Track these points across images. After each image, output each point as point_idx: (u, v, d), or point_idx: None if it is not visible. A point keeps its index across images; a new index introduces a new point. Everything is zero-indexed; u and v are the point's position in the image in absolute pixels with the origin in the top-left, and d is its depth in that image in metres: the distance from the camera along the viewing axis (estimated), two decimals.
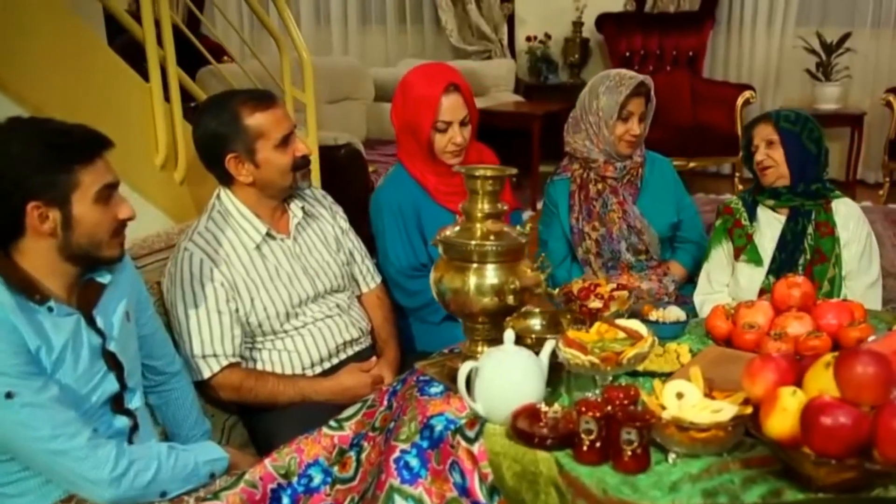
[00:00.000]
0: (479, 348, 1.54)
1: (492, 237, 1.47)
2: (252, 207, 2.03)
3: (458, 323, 1.65)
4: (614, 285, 1.84)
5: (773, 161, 2.24)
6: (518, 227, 1.55)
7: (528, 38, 6.57)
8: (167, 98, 2.42)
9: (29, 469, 1.50)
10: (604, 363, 1.36)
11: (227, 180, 2.02)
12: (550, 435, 1.29)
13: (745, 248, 2.29)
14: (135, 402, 1.66)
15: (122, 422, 1.61)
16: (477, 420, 1.39)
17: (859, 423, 1.06)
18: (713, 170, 6.24)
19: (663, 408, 1.28)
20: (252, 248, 2.02)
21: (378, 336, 2.27)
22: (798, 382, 1.20)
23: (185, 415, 1.91)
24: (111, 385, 1.59)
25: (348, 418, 1.65)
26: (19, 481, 1.51)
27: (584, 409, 1.24)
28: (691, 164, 5.50)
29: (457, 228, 1.53)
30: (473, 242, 1.48)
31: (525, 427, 1.31)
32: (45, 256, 1.48)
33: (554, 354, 1.42)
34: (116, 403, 1.61)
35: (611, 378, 1.43)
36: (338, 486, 1.56)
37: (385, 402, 1.63)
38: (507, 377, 1.37)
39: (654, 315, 1.79)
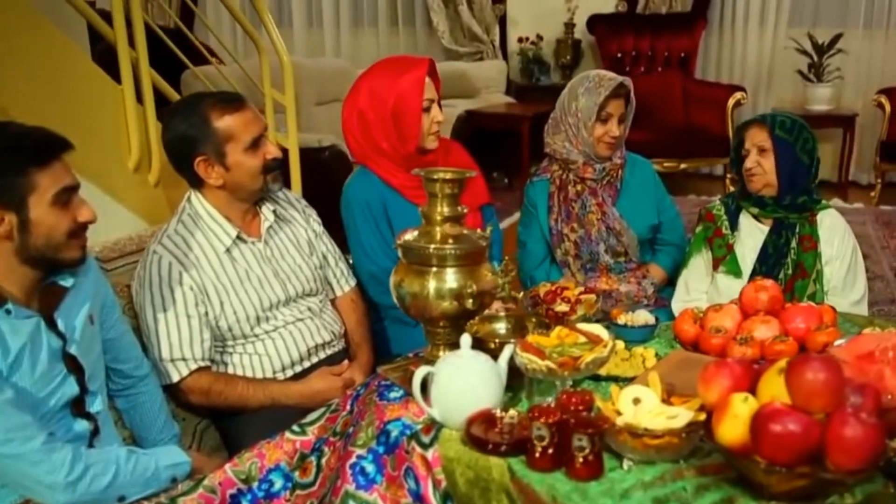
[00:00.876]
0: (441, 352, 1.53)
1: (450, 240, 1.46)
2: (223, 210, 2.01)
3: None
4: (582, 289, 1.83)
5: (763, 169, 2.17)
6: (479, 231, 1.54)
7: (520, 40, 6.57)
8: (141, 101, 2.40)
9: None
10: (561, 368, 1.34)
11: (197, 183, 2.00)
12: (505, 441, 1.27)
13: (724, 259, 2.24)
14: (96, 405, 1.64)
15: (83, 425, 1.59)
16: (433, 425, 1.37)
17: (809, 431, 1.04)
18: (706, 171, 6.23)
19: (619, 414, 1.26)
20: (222, 251, 2.00)
21: (351, 339, 2.25)
22: (753, 389, 1.18)
23: (153, 419, 1.89)
24: (71, 388, 1.57)
25: (311, 423, 1.64)
26: None
27: (536, 415, 1.22)
28: (682, 166, 5.50)
29: (415, 232, 1.51)
30: (432, 246, 1.46)
31: (479, 433, 1.29)
32: (3, 259, 1.47)
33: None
34: (77, 407, 1.59)
35: (570, 383, 1.41)
36: (298, 492, 1.54)
37: (348, 407, 1.62)
38: (463, 382, 1.35)
39: (622, 319, 1.78)
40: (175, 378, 1.94)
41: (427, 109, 2.22)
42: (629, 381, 1.50)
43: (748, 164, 2.19)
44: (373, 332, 2.33)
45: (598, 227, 2.48)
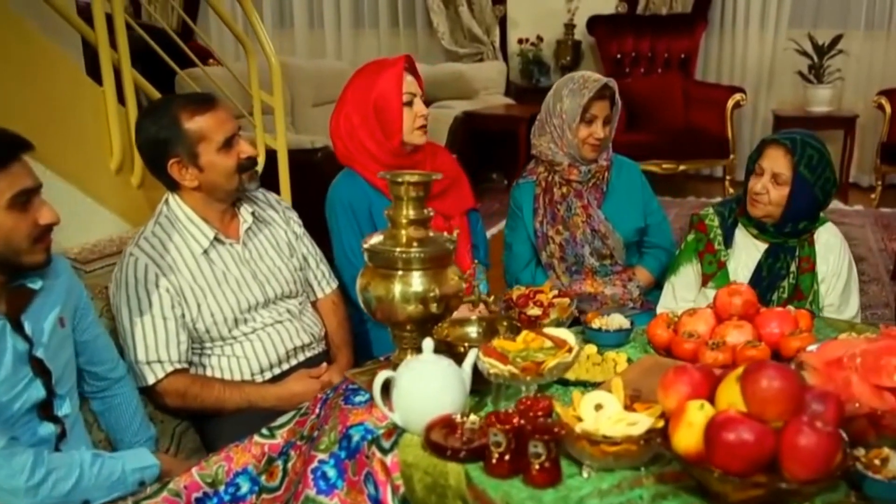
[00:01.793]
0: (408, 356, 1.51)
1: (415, 244, 1.44)
2: (200, 212, 2.00)
3: None
4: (555, 292, 1.81)
5: (770, 199, 2.03)
6: (445, 234, 1.52)
7: (520, 41, 6.55)
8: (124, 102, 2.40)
9: None
10: (523, 373, 1.33)
11: (173, 186, 2.00)
12: (464, 447, 1.26)
13: (714, 276, 2.16)
14: (65, 409, 1.63)
15: (49, 429, 1.58)
16: (395, 430, 1.36)
17: (763, 440, 1.02)
18: (706, 172, 6.20)
19: (580, 420, 1.24)
20: (199, 253, 1.99)
21: (331, 342, 2.24)
22: (713, 396, 1.16)
23: (129, 421, 1.89)
24: (37, 392, 1.56)
25: (281, 426, 1.63)
26: None
27: (493, 421, 1.21)
28: (682, 167, 5.47)
29: (381, 236, 1.50)
30: (398, 250, 1.45)
31: (438, 439, 1.27)
32: None
33: None
34: (44, 410, 1.58)
35: (535, 388, 1.40)
36: (264, 496, 1.53)
37: (317, 411, 1.61)
38: (424, 387, 1.34)
39: (596, 323, 1.75)
40: (151, 380, 1.93)
41: (409, 104, 2.21)
42: (598, 386, 1.48)
43: (758, 187, 2.04)
44: (355, 335, 2.31)
45: (584, 230, 2.46)
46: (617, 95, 2.42)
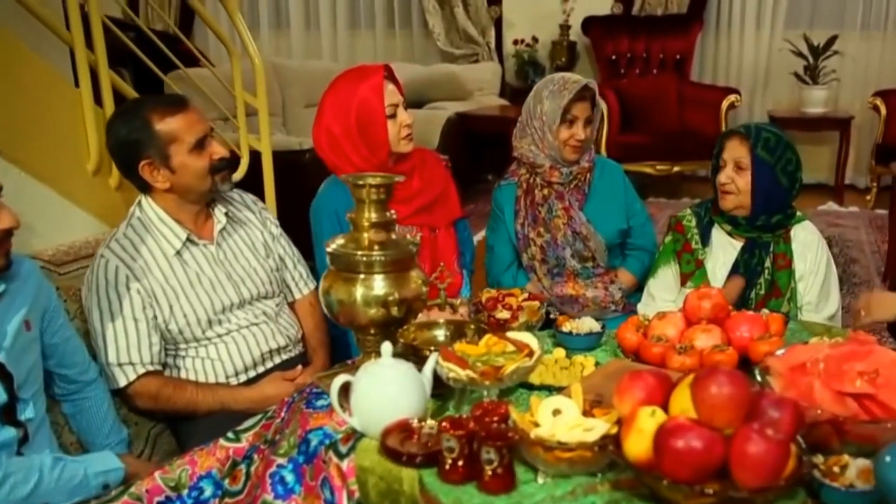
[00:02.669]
0: (373, 360, 1.50)
1: (376, 247, 1.43)
2: (173, 214, 1.99)
3: None
4: (525, 295, 1.79)
5: (736, 188, 2.06)
6: (408, 237, 1.51)
7: (516, 42, 6.54)
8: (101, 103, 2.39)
9: None
10: (482, 377, 1.31)
11: (145, 187, 1.99)
12: (420, 452, 1.24)
13: (692, 275, 2.17)
14: (28, 412, 1.62)
15: (10, 433, 1.56)
16: (353, 435, 1.35)
17: (712, 447, 1.00)
18: (702, 173, 6.15)
19: (537, 425, 1.23)
20: (172, 254, 1.98)
21: (308, 343, 2.23)
22: (668, 402, 1.14)
23: (100, 424, 1.88)
24: None
25: (246, 430, 1.61)
26: None
27: (446, 426, 1.19)
28: (676, 168, 5.45)
29: (341, 240, 1.48)
30: (359, 253, 1.44)
31: (395, 444, 1.26)
32: None
33: None
34: (6, 414, 1.57)
35: (495, 393, 1.38)
36: (227, 500, 1.52)
37: (282, 414, 1.59)
38: (382, 391, 1.33)
39: (567, 326, 1.74)
40: (122, 382, 1.92)
41: (392, 115, 2.18)
42: (563, 390, 1.46)
43: (722, 178, 2.09)
44: (333, 337, 2.30)
45: (564, 232, 2.44)
46: (598, 96, 2.40)
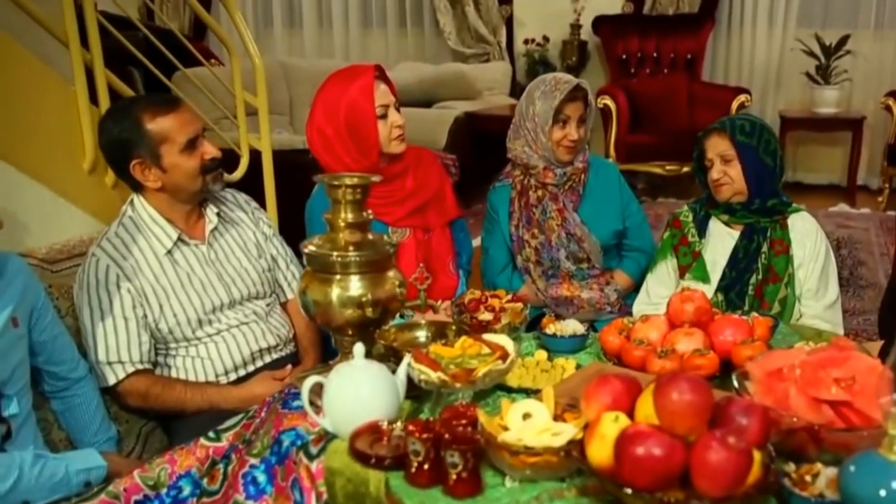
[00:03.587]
0: (345, 361, 1.49)
1: (351, 248, 1.42)
2: (164, 213, 2.00)
3: None
4: (509, 297, 1.78)
5: (730, 178, 2.11)
6: (385, 237, 1.50)
7: (526, 41, 6.51)
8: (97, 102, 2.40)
9: None
10: (453, 380, 1.30)
11: (137, 187, 2.00)
12: (389, 455, 1.23)
13: (690, 267, 2.20)
14: (11, 409, 1.63)
15: None
16: (324, 437, 1.34)
17: (672, 455, 0.99)
18: None
19: (505, 429, 1.22)
20: (163, 253, 1.99)
21: (300, 343, 2.23)
22: (634, 408, 1.13)
23: (88, 421, 1.89)
24: None
25: (227, 429, 1.61)
26: None
27: (412, 429, 1.18)
28: (685, 168, 5.40)
29: (317, 240, 1.48)
30: (335, 253, 1.43)
31: (363, 446, 1.25)
32: None
33: None
34: None
35: (469, 395, 1.37)
36: (204, 499, 1.51)
37: (262, 414, 1.59)
38: (354, 393, 1.32)
39: (551, 328, 1.73)
40: (111, 381, 1.93)
41: (383, 116, 2.17)
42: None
43: (715, 174, 2.14)
44: (325, 337, 2.30)
45: (559, 233, 2.43)
46: (590, 96, 2.39)
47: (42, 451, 1.66)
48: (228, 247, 2.11)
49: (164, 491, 1.53)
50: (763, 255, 2.14)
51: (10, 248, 1.93)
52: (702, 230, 2.22)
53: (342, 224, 1.44)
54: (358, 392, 1.32)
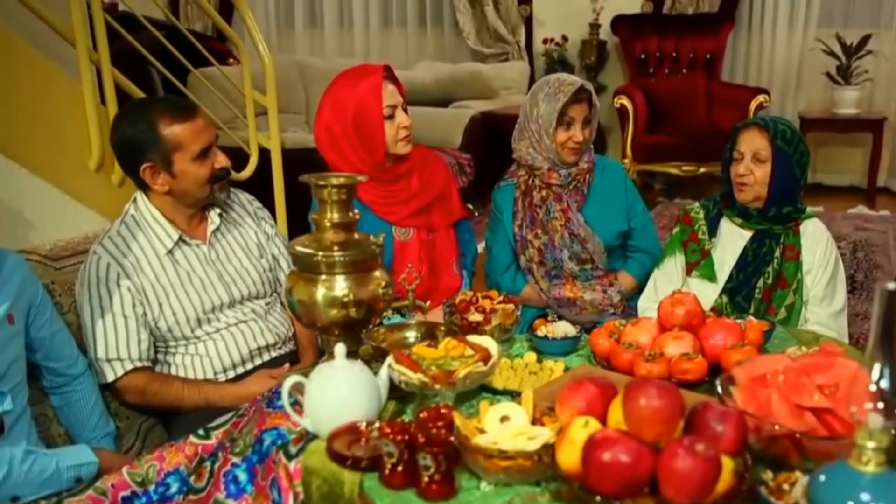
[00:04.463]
0: (327, 362, 1.49)
1: (335, 248, 1.42)
2: (167, 214, 2.01)
3: None
4: (500, 298, 1.77)
5: (755, 179, 2.07)
6: (371, 237, 1.50)
7: (545, 41, 6.48)
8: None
9: None
10: (433, 382, 1.30)
11: (143, 186, 2.01)
12: (365, 456, 1.23)
13: (697, 265, 2.18)
14: (6, 405, 1.65)
15: None
16: (305, 436, 1.34)
17: (639, 461, 0.97)
18: None
19: (482, 431, 1.21)
20: (163, 253, 2.00)
21: (299, 342, 2.24)
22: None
23: (87, 417, 1.91)
24: None
25: (217, 427, 1.61)
26: None
27: (387, 430, 1.18)
28: (703, 169, 5.34)
29: (304, 240, 1.48)
30: (320, 253, 1.43)
31: (341, 446, 1.25)
32: None
33: None
34: None
35: (452, 397, 1.37)
36: (190, 496, 1.52)
37: (251, 413, 1.60)
38: (334, 393, 1.32)
39: (542, 330, 1.72)
40: (110, 378, 1.95)
41: (390, 117, 2.18)
42: None
43: (741, 169, 2.09)
44: None
45: (562, 234, 2.41)
46: (594, 97, 2.37)
47: (35, 447, 1.68)
48: (230, 247, 2.13)
49: (151, 488, 1.53)
50: (776, 261, 2.11)
51: (15, 245, 1.96)
52: (713, 229, 2.20)
53: (328, 224, 1.44)
54: (338, 392, 1.32)
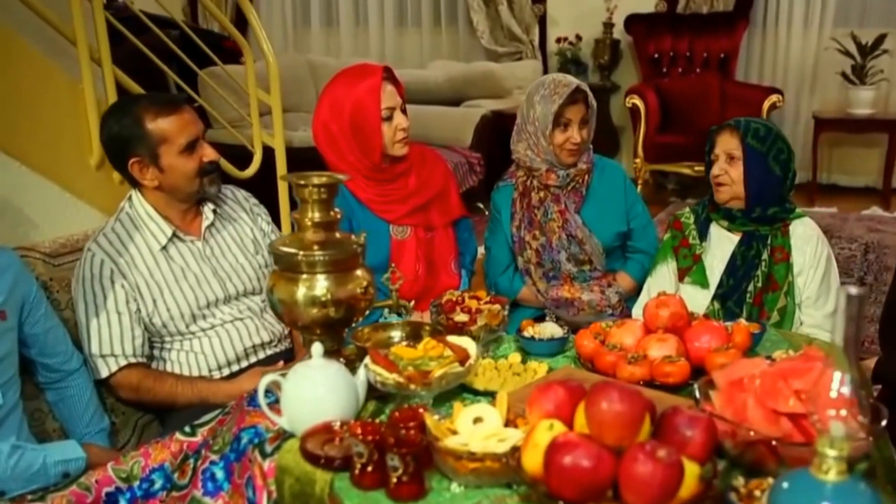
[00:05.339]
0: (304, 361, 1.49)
1: (315, 247, 1.42)
2: (161, 210, 2.03)
3: None
4: (488, 298, 1.77)
5: (730, 178, 2.09)
6: (353, 237, 1.50)
7: (559, 40, 6.46)
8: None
9: None
10: (407, 382, 1.30)
11: (135, 183, 2.03)
12: (338, 456, 1.23)
13: (689, 270, 2.17)
14: None
15: None
16: (281, 435, 1.35)
17: (599, 466, 0.97)
18: None
19: (454, 433, 1.21)
20: (157, 249, 2.02)
21: (295, 340, 2.24)
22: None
23: (81, 412, 1.93)
24: None
25: (203, 424, 1.62)
26: None
27: (357, 431, 1.18)
28: None
29: (287, 240, 1.49)
30: (301, 253, 1.44)
31: (314, 446, 1.25)
32: None
33: None
34: None
35: (430, 398, 1.37)
36: (173, 493, 1.53)
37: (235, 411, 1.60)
38: (310, 392, 1.32)
39: (529, 331, 1.71)
40: (104, 373, 1.97)
41: (388, 118, 2.18)
42: None
43: (715, 170, 2.12)
44: None
45: (559, 235, 2.40)
46: (591, 97, 2.35)
47: (26, 441, 1.70)
48: (224, 243, 2.14)
49: (136, 484, 1.55)
50: (763, 263, 2.09)
51: (15, 242, 1.99)
52: (703, 233, 2.19)
53: (308, 223, 1.45)
54: (314, 392, 1.32)
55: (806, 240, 2.10)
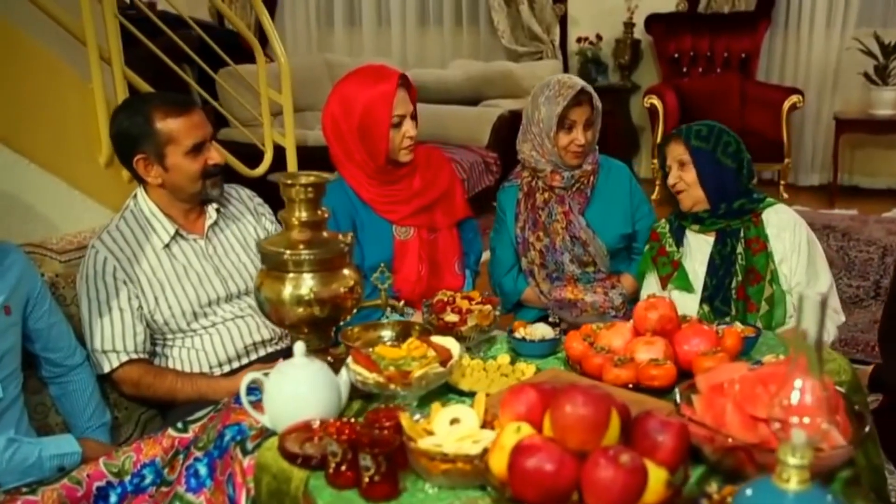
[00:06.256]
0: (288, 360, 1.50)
1: (301, 246, 1.43)
2: (164, 208, 2.05)
3: None
4: (479, 298, 1.77)
5: (686, 184, 2.13)
6: (340, 236, 1.51)
7: (579, 40, 6.43)
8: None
9: None
10: (388, 382, 1.30)
11: (140, 180, 2.06)
12: (316, 454, 1.24)
13: (671, 277, 2.18)
14: None
15: None
16: (263, 433, 1.36)
17: (562, 470, 0.96)
18: (767, 176, 5.91)
19: (430, 433, 1.21)
20: (160, 247, 2.04)
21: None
22: None
23: (83, 407, 1.96)
24: None
25: (195, 421, 1.64)
26: None
27: (331, 430, 1.19)
28: None
29: (275, 239, 1.50)
30: (288, 252, 1.45)
31: (293, 444, 1.26)
32: None
33: None
34: None
35: (415, 398, 1.37)
36: (162, 488, 1.55)
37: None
38: (292, 391, 1.33)
39: (520, 332, 1.71)
40: (106, 369, 1.99)
41: (397, 125, 2.17)
42: None
43: (671, 180, 2.17)
44: None
45: (563, 237, 2.39)
46: (596, 99, 2.34)
47: (25, 434, 1.73)
48: (227, 242, 2.16)
49: (127, 478, 1.57)
50: (740, 257, 2.11)
51: (25, 239, 2.03)
52: (679, 240, 2.22)
53: (296, 222, 1.46)
54: (296, 390, 1.33)
55: (782, 227, 2.11)
